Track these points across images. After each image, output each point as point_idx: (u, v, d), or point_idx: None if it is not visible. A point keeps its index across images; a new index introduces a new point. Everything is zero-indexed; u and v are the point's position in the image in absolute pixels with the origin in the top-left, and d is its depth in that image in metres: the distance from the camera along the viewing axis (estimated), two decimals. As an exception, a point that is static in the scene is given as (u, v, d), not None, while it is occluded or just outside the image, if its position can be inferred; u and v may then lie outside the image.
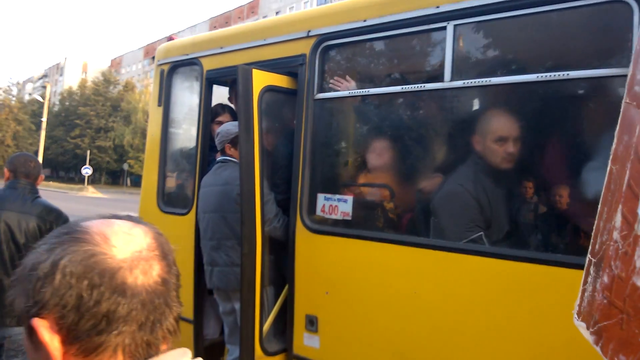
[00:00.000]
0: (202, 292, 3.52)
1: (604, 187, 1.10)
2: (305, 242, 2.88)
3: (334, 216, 2.80)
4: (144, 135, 47.23)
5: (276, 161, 3.23)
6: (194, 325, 3.49)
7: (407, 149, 2.73)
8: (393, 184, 2.74)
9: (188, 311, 3.51)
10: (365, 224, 2.77)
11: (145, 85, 60.41)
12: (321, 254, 2.82)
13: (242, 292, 2.87)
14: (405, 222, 2.65)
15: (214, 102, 3.69)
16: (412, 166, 2.74)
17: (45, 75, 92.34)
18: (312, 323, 2.84)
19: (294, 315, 2.92)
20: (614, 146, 1.05)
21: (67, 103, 54.70)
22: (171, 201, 3.83)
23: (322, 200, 2.86)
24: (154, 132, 3.88)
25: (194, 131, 3.60)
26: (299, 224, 2.90)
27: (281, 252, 3.23)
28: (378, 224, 2.73)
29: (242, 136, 2.90)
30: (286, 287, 3.10)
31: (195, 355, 3.30)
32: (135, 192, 32.34)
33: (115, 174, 54.67)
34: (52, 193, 31.37)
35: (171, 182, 3.88)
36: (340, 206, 2.78)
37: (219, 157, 3.33)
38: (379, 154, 2.77)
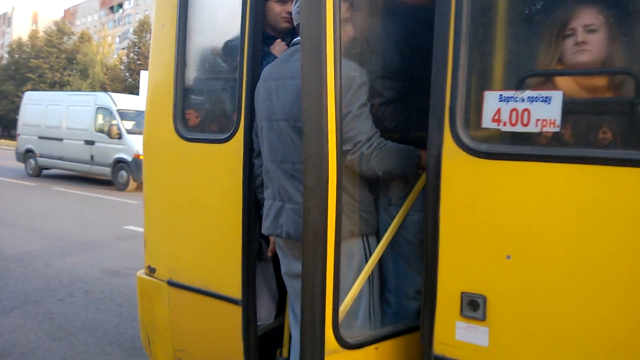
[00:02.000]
0: (252, 257, 2.33)
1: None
2: (464, 173, 1.70)
3: (521, 128, 1.62)
4: (103, 90, 44.09)
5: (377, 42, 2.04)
6: (242, 306, 2.31)
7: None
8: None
9: (233, 287, 2.33)
10: (588, 138, 1.61)
11: (103, 36, 56.60)
12: (496, 193, 1.66)
13: (305, 248, 1.79)
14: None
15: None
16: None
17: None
18: (474, 306, 1.70)
19: (436, 292, 1.77)
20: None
21: (16, 55, 50.44)
22: (200, 123, 2.56)
23: (494, 101, 1.66)
24: (164, 16, 2.55)
25: (235, 12, 2.31)
26: (449, 143, 1.71)
27: (373, 187, 2.12)
28: (616, 139, 1.56)
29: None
30: (380, 246, 1.99)
31: (247, 349, 2.04)
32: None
33: (74, 132, 51.41)
34: (2, 151, 28.84)
35: (198, 94, 2.60)
36: (536, 110, 1.59)
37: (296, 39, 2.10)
38: (610, 13, 1.59)
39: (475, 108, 1.71)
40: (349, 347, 1.91)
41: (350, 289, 2.01)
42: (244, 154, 2.27)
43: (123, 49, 53.46)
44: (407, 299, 2.22)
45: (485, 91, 1.69)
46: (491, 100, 1.67)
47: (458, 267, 1.73)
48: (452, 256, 1.73)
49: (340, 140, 1.82)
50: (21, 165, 15.75)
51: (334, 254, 1.81)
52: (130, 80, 43.97)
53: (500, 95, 1.66)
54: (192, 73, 2.55)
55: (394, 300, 2.25)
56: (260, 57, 2.27)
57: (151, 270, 2.71)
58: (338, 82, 1.78)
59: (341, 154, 1.83)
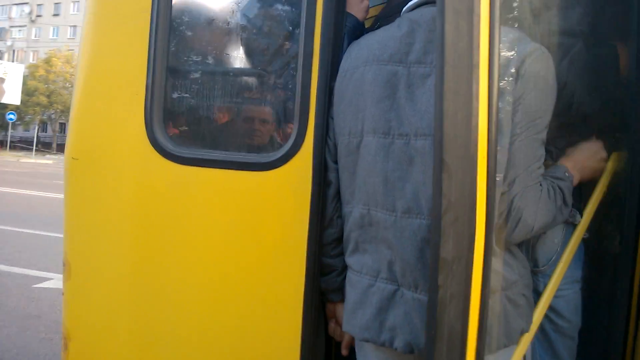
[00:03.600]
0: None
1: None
2: None
3: None
4: None
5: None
6: None
7: None
8: None
9: None
10: None
11: None
12: None
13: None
14: None
15: None
16: None
17: None
18: None
19: None
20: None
21: None
22: (204, 132, 1.43)
23: None
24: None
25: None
26: None
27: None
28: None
29: None
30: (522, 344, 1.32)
31: None
32: None
33: None
34: None
35: (199, 79, 1.46)
36: None
37: None
38: None
39: None
40: None
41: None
42: (312, 190, 1.26)
43: None
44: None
45: None
46: None
47: None
48: None
49: (494, 176, 1.01)
50: None
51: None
52: None
53: None
54: (184, 40, 1.42)
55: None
56: (342, 16, 1.29)
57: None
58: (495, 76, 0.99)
59: (494, 201, 1.03)
